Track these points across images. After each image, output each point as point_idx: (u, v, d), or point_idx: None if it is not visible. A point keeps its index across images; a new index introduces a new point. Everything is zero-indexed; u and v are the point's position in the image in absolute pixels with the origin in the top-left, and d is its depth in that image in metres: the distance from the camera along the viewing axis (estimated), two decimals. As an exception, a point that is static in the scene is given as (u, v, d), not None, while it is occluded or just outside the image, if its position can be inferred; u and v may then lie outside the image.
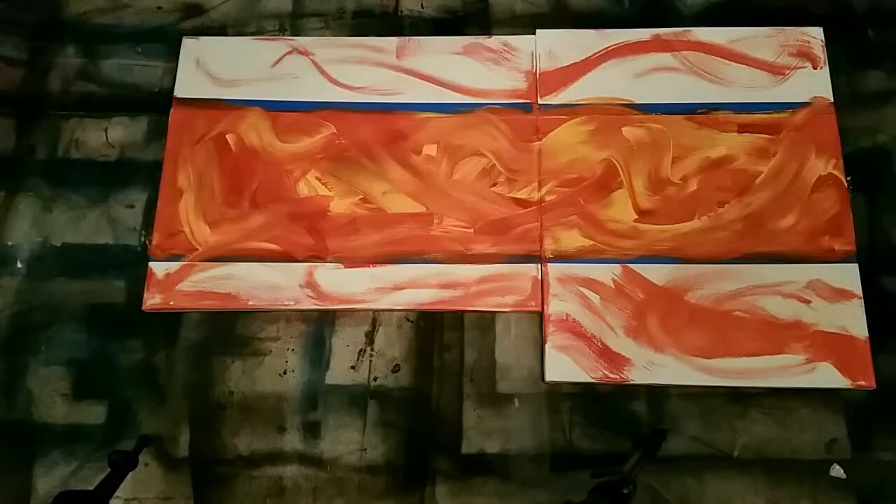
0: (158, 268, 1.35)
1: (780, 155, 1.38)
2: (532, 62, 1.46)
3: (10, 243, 1.40)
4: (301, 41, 1.50)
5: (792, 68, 1.43)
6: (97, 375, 1.32)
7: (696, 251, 1.33)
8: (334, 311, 1.34)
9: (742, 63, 1.44)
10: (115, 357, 1.33)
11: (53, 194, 1.43)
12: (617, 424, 1.27)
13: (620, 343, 1.28)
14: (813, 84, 1.42)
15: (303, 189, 1.40)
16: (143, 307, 1.33)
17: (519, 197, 1.38)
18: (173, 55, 1.50)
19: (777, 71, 1.43)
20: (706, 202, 1.36)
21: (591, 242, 1.34)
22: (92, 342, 1.34)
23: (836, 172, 1.36)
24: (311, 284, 1.33)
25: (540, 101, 1.43)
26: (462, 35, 1.50)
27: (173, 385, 1.31)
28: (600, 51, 1.46)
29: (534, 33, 1.49)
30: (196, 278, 1.34)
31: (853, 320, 1.27)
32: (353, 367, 1.32)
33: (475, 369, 1.31)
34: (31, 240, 1.40)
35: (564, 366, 1.27)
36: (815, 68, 1.43)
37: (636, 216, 1.35)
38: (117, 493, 1.16)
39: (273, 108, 1.45)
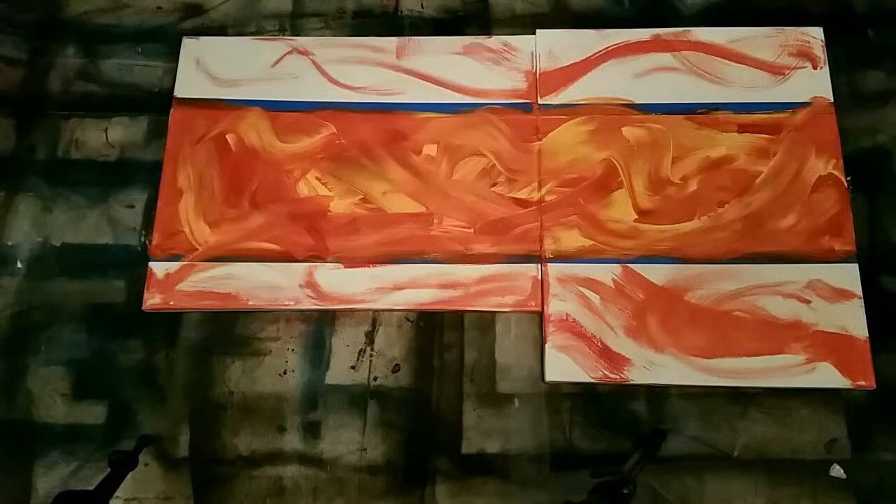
0: (158, 268, 1.35)
1: (780, 155, 1.38)
2: (532, 62, 1.46)
3: (10, 243, 1.40)
4: (301, 41, 1.50)
5: (792, 68, 1.43)
6: (97, 375, 1.32)
7: (696, 251, 1.33)
8: (334, 311, 1.34)
9: (742, 63, 1.44)
10: (115, 357, 1.33)
11: (53, 194, 1.43)
12: (617, 424, 1.27)
13: (620, 343, 1.28)
14: (813, 84, 1.42)
15: (303, 189, 1.40)
16: (143, 307, 1.33)
17: (519, 197, 1.38)
18: (173, 55, 1.50)
19: (777, 71, 1.43)
20: (706, 202, 1.36)
21: (591, 242, 1.34)
22: (92, 342, 1.34)
23: (836, 172, 1.36)
24: (311, 284, 1.33)
25: (540, 101, 1.43)
26: (462, 35, 1.50)
27: (173, 385, 1.31)
28: (600, 51, 1.46)
29: (534, 33, 1.49)
30: (196, 278, 1.34)
31: (853, 320, 1.27)
32: (353, 367, 1.32)
33: (475, 369, 1.31)
34: (31, 240, 1.40)
35: (564, 366, 1.27)
36: (815, 68, 1.43)
37: (636, 216, 1.35)
38: (117, 493, 1.16)
39: (273, 108, 1.45)
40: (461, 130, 1.42)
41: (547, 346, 1.28)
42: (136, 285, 1.35)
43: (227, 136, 1.43)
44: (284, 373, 1.32)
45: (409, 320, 1.35)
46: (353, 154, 1.42)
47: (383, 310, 1.34)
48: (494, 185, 1.39)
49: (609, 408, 1.28)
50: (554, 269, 1.33)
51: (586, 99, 1.43)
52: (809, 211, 1.34)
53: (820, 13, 1.49)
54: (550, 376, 1.27)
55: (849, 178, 1.36)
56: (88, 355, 1.33)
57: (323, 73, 1.47)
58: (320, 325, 1.34)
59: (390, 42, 1.49)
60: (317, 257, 1.35)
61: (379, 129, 1.43)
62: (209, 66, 1.48)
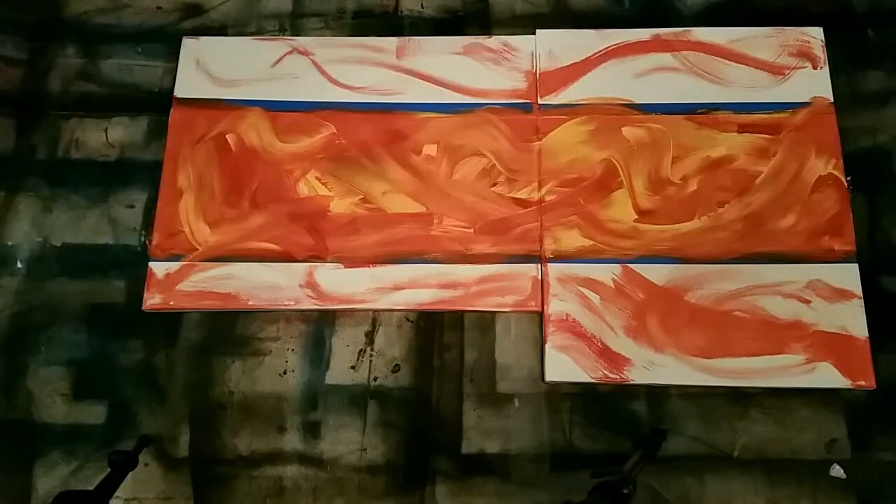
0: (158, 268, 1.35)
1: (780, 155, 1.38)
2: (532, 62, 1.46)
3: (10, 243, 1.40)
4: (301, 41, 1.50)
5: (792, 68, 1.43)
6: (97, 375, 1.32)
7: (696, 251, 1.33)
8: (334, 311, 1.34)
9: (742, 63, 1.44)
10: (115, 357, 1.33)
11: (53, 194, 1.43)
12: (617, 424, 1.27)
13: (620, 343, 1.28)
14: (813, 84, 1.42)
15: (303, 189, 1.40)
16: (143, 307, 1.33)
17: (519, 197, 1.38)
18: (173, 55, 1.50)
19: (777, 71, 1.43)
20: (706, 202, 1.36)
21: (591, 242, 1.34)
22: (92, 342, 1.34)
23: (836, 172, 1.36)
24: (311, 284, 1.33)
25: (540, 101, 1.43)
26: (462, 35, 1.50)
27: (173, 385, 1.31)
28: (600, 51, 1.46)
29: (534, 33, 1.49)
30: (196, 278, 1.34)
31: (853, 320, 1.27)
32: (353, 367, 1.32)
33: (475, 369, 1.31)
34: (31, 240, 1.40)
35: (564, 366, 1.27)
36: (815, 68, 1.43)
37: (636, 216, 1.35)
38: (117, 493, 1.16)
39: (273, 108, 1.45)
40: (461, 130, 1.42)
41: (547, 346, 1.28)
42: (136, 285, 1.35)
43: (227, 136, 1.43)
44: (284, 373, 1.32)
45: (409, 320, 1.35)
46: (353, 154, 1.42)
47: (383, 310, 1.34)
48: (494, 185, 1.39)
49: (609, 408, 1.28)
50: (554, 269, 1.33)
51: (586, 99, 1.43)
52: (809, 211, 1.34)
53: (820, 13, 1.49)
54: (550, 376, 1.27)
55: (849, 178, 1.36)
56: (88, 355, 1.33)
57: (323, 73, 1.47)
58: (320, 325, 1.34)
59: (390, 42, 1.49)
60: (317, 257, 1.35)
61: (379, 129, 1.43)
62: (209, 66, 1.48)
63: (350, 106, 1.45)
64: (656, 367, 1.26)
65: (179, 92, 1.46)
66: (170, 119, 1.45)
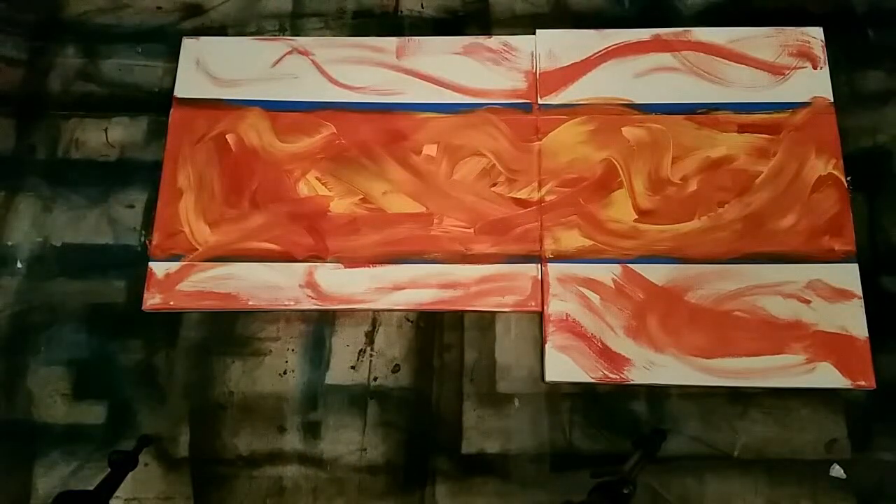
0: (158, 268, 1.35)
1: (780, 155, 1.38)
2: (532, 62, 1.46)
3: (10, 243, 1.40)
4: (301, 41, 1.50)
5: (792, 68, 1.43)
6: (97, 375, 1.32)
7: (696, 251, 1.33)
8: (334, 311, 1.34)
9: (742, 63, 1.44)
10: (115, 357, 1.33)
11: (53, 194, 1.43)
12: (617, 424, 1.27)
13: (620, 343, 1.28)
14: (813, 84, 1.42)
15: (303, 189, 1.40)
16: (143, 307, 1.33)
17: (519, 197, 1.38)
18: (173, 55, 1.50)
19: (777, 71, 1.43)
20: (706, 202, 1.36)
21: (591, 242, 1.34)
22: (92, 342, 1.34)
23: (836, 172, 1.36)
24: (311, 284, 1.33)
25: (540, 101, 1.43)
26: (462, 35, 1.50)
27: (173, 385, 1.31)
28: (600, 51, 1.46)
29: (534, 33, 1.49)
30: (196, 278, 1.34)
31: (853, 320, 1.27)
32: (353, 367, 1.32)
33: (475, 369, 1.31)
34: (31, 240, 1.40)
35: (564, 366, 1.27)
36: (815, 68, 1.43)
37: (636, 216, 1.35)
38: (117, 493, 1.16)
39: (273, 108, 1.45)
40: (461, 130, 1.42)
41: (547, 346, 1.28)
42: (136, 285, 1.35)
43: (227, 136, 1.43)
44: (284, 373, 1.32)
45: (409, 320, 1.35)
46: (353, 154, 1.42)
47: (383, 310, 1.34)
48: (494, 185, 1.39)
49: (609, 408, 1.28)
50: (554, 269, 1.33)
51: (586, 99, 1.43)
52: (809, 211, 1.34)
53: (820, 13, 1.49)
54: (550, 376, 1.27)
55: (849, 178, 1.36)
56: (88, 355, 1.33)
57: (323, 73, 1.47)
58: (320, 325, 1.34)
59: (390, 42, 1.49)
60: (317, 257, 1.35)
61: (379, 129, 1.43)
62: (209, 66, 1.48)
63: (350, 106, 1.45)
64: (656, 367, 1.26)
65: (179, 92, 1.46)
66: (170, 119, 1.45)
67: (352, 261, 1.35)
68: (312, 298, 1.32)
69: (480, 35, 1.50)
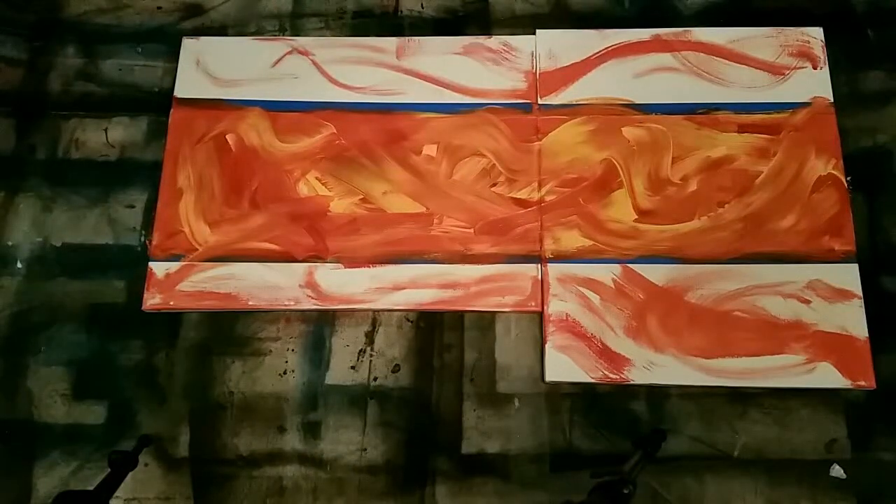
0: (158, 268, 1.35)
1: (780, 155, 1.38)
2: (532, 62, 1.46)
3: (10, 243, 1.40)
4: (301, 41, 1.50)
5: (792, 68, 1.43)
6: (97, 375, 1.32)
7: (696, 251, 1.33)
8: (334, 311, 1.34)
9: (742, 63, 1.44)
10: (115, 357, 1.33)
11: (53, 194, 1.43)
12: (617, 424, 1.27)
13: (620, 343, 1.28)
14: (813, 84, 1.42)
15: (303, 189, 1.40)
16: (143, 307, 1.33)
17: (519, 197, 1.38)
18: (173, 55, 1.50)
19: (777, 71, 1.43)
20: (706, 202, 1.36)
21: (591, 242, 1.34)
22: (92, 342, 1.34)
23: (836, 172, 1.36)
24: (311, 284, 1.33)
25: (540, 102, 1.43)
26: (462, 35, 1.50)
27: (173, 385, 1.31)
28: (600, 51, 1.46)
29: (534, 33, 1.49)
30: (196, 278, 1.34)
31: (853, 320, 1.27)
32: (353, 367, 1.32)
33: (475, 369, 1.31)
34: (31, 240, 1.40)
35: (564, 366, 1.27)
36: (815, 68, 1.43)
37: (636, 216, 1.35)
38: (117, 493, 1.16)
39: (273, 108, 1.45)
40: (461, 130, 1.42)
41: (547, 346, 1.28)
42: (136, 285, 1.35)
43: (227, 136, 1.43)
44: (284, 373, 1.32)
45: (409, 320, 1.35)
46: (353, 154, 1.42)
47: (383, 310, 1.34)
48: (494, 185, 1.39)
49: (609, 408, 1.28)
50: (554, 269, 1.33)
51: (586, 99, 1.43)
52: (809, 211, 1.34)
53: (820, 13, 1.49)
54: (550, 376, 1.27)
55: (849, 178, 1.36)
56: (88, 355, 1.33)
57: (323, 73, 1.47)
58: (320, 325, 1.34)
59: (390, 42, 1.49)
60: (317, 257, 1.35)
61: (379, 129, 1.43)
62: (209, 66, 1.48)
63: (350, 106, 1.45)
64: (656, 367, 1.26)
65: (179, 92, 1.46)
66: (170, 119, 1.45)
67: (352, 261, 1.35)
68: (312, 298, 1.32)
69: (480, 35, 1.50)
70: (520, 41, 1.48)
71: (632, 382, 1.26)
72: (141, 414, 1.30)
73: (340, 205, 1.39)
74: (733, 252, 1.32)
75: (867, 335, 1.26)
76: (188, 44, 1.50)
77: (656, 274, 1.32)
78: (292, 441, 1.28)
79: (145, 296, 1.33)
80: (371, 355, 1.33)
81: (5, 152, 1.46)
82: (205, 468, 1.27)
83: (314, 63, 1.48)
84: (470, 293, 1.32)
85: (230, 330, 1.34)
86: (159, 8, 1.57)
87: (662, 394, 1.28)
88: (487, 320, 1.34)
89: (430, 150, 1.41)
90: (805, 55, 1.44)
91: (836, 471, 1.23)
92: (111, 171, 1.44)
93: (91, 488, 1.11)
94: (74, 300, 1.36)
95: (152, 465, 1.27)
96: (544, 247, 1.34)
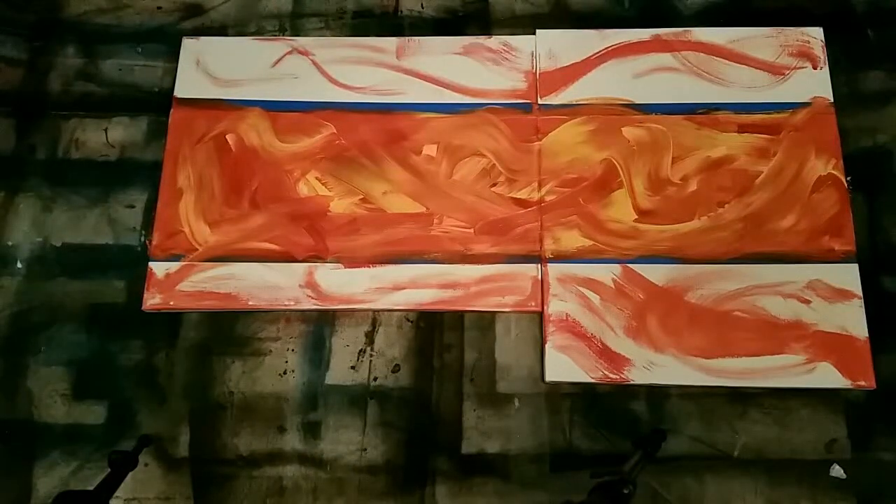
0: (158, 268, 1.35)
1: (780, 155, 1.38)
2: (532, 62, 1.46)
3: (10, 243, 1.40)
4: (301, 41, 1.50)
5: (792, 68, 1.43)
6: (97, 375, 1.32)
7: (696, 251, 1.33)
8: (334, 311, 1.34)
9: (742, 63, 1.44)
10: (115, 357, 1.33)
11: (53, 194, 1.43)
12: (617, 424, 1.27)
13: (620, 343, 1.28)
14: (813, 84, 1.42)
15: (303, 189, 1.40)
16: (143, 307, 1.33)
17: (519, 197, 1.38)
18: (173, 55, 1.50)
19: (777, 71, 1.43)
20: (706, 202, 1.36)
21: (591, 242, 1.34)
22: (92, 342, 1.34)
23: (836, 172, 1.36)
24: (311, 284, 1.33)
25: (540, 102, 1.43)
26: (462, 35, 1.50)
27: (173, 385, 1.31)
28: (600, 51, 1.46)
29: (534, 33, 1.49)
30: (196, 278, 1.34)
31: (853, 320, 1.27)
32: (353, 367, 1.32)
33: (475, 369, 1.31)
34: (31, 240, 1.40)
35: (564, 366, 1.27)
36: (815, 68, 1.43)
37: (636, 216, 1.35)
38: (117, 493, 1.16)
39: (273, 108, 1.45)
40: (461, 130, 1.42)
41: (547, 346, 1.28)
42: (136, 285, 1.35)
43: (227, 136, 1.43)
44: (284, 373, 1.32)
45: (409, 320, 1.35)
46: (353, 154, 1.42)
47: (383, 310, 1.34)
48: (494, 185, 1.39)
49: (609, 408, 1.28)
50: (554, 269, 1.33)
51: (586, 99, 1.43)
52: (809, 211, 1.34)
53: (820, 13, 1.49)
54: (550, 376, 1.27)
55: (849, 178, 1.36)
56: (88, 355, 1.33)
57: (323, 73, 1.47)
58: (320, 325, 1.34)
59: (390, 42, 1.49)
60: (317, 257, 1.35)
61: (379, 129, 1.43)
62: (209, 66, 1.48)
63: (350, 106, 1.45)
64: (656, 367, 1.26)
65: (179, 92, 1.46)
66: (170, 119, 1.45)
67: (352, 261, 1.35)
68: (312, 298, 1.32)
69: (480, 35, 1.50)
70: (520, 41, 1.48)
71: (632, 382, 1.26)
72: (141, 414, 1.30)
73: (340, 205, 1.39)
74: (733, 252, 1.32)
75: (867, 335, 1.26)
76: (188, 44, 1.50)
77: (656, 274, 1.32)
78: (292, 441, 1.28)
79: (145, 296, 1.33)
80: (371, 355, 1.33)
81: (5, 152, 1.46)
82: (205, 468, 1.27)
83: (314, 63, 1.48)
84: (470, 293, 1.32)
85: (230, 330, 1.34)
86: (159, 8, 1.57)
87: (662, 394, 1.28)
88: (487, 320, 1.34)
89: (430, 150, 1.42)
90: (805, 55, 1.44)
91: (836, 471, 1.23)
92: (111, 171, 1.44)
93: (91, 488, 1.11)
94: (74, 300, 1.36)
95: (152, 465, 1.27)
96: (544, 247, 1.34)
